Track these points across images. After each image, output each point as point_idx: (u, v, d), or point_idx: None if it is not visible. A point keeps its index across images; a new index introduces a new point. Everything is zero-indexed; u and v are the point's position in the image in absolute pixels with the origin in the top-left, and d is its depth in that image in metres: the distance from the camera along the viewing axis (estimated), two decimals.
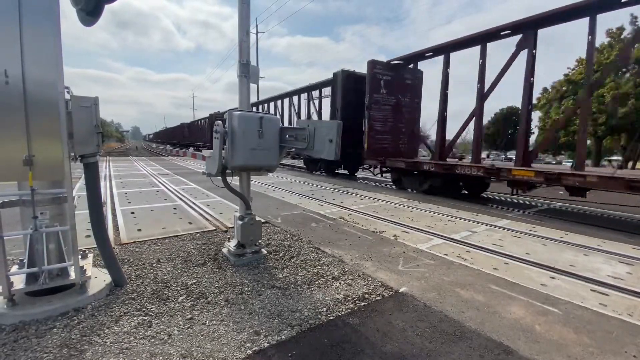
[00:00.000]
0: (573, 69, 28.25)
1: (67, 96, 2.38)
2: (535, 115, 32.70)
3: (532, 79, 6.99)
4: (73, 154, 2.48)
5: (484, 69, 7.67)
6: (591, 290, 2.95)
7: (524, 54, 7.03)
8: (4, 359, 1.84)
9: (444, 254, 3.79)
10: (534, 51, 6.88)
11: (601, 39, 24.67)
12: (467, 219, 5.65)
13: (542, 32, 6.87)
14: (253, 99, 16.58)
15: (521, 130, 7.27)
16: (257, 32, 30.05)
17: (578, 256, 3.83)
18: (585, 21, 6.21)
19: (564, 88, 28.78)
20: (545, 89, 31.94)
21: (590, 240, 4.49)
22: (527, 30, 6.98)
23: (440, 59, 8.71)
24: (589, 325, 2.37)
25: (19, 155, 2.13)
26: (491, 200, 8.53)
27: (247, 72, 3.36)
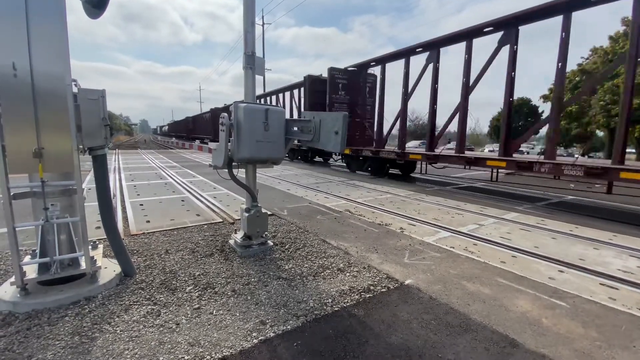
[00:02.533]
0: (587, 59, 27.47)
1: (75, 89, 2.40)
2: (547, 106, 31.97)
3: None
4: (82, 146, 2.51)
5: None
6: (600, 284, 2.90)
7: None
8: (18, 346, 1.90)
9: (451, 247, 3.77)
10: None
11: (616, 27, 23.86)
12: (474, 211, 5.60)
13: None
14: (259, 91, 17.17)
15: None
16: (262, 24, 29.78)
17: (588, 250, 3.77)
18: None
19: (577, 78, 28.01)
20: None
21: (601, 233, 4.41)
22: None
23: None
24: (598, 319, 2.34)
25: (29, 147, 2.17)
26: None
27: (253, 64, 3.34)
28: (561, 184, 9.27)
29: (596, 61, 25.81)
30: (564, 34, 6.15)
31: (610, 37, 24.51)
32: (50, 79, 2.19)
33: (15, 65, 2.08)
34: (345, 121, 2.93)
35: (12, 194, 2.25)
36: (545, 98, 31.17)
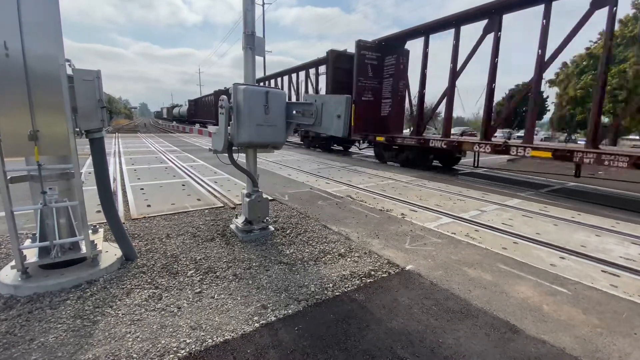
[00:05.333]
0: (595, 42, 26.77)
1: (69, 70, 2.33)
2: (553, 91, 31.47)
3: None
4: (78, 129, 2.46)
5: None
6: (602, 271, 2.90)
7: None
8: (20, 329, 1.91)
9: (452, 233, 3.76)
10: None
11: (626, 10, 23.12)
12: (477, 198, 5.57)
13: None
14: (259, 74, 15.96)
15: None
16: (263, 3, 28.92)
17: (590, 237, 3.76)
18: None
19: (584, 62, 27.40)
20: (564, 64, 30.48)
21: (603, 220, 4.39)
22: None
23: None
24: (599, 306, 2.34)
25: (24, 130, 2.11)
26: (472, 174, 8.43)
27: (252, 44, 3.23)
28: (564, 171, 9.20)
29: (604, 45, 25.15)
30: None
31: (620, 21, 23.80)
32: (43, 59, 2.12)
33: (6, 45, 2.00)
34: (348, 105, 2.86)
35: (8, 177, 2.21)
36: (551, 83, 30.64)
